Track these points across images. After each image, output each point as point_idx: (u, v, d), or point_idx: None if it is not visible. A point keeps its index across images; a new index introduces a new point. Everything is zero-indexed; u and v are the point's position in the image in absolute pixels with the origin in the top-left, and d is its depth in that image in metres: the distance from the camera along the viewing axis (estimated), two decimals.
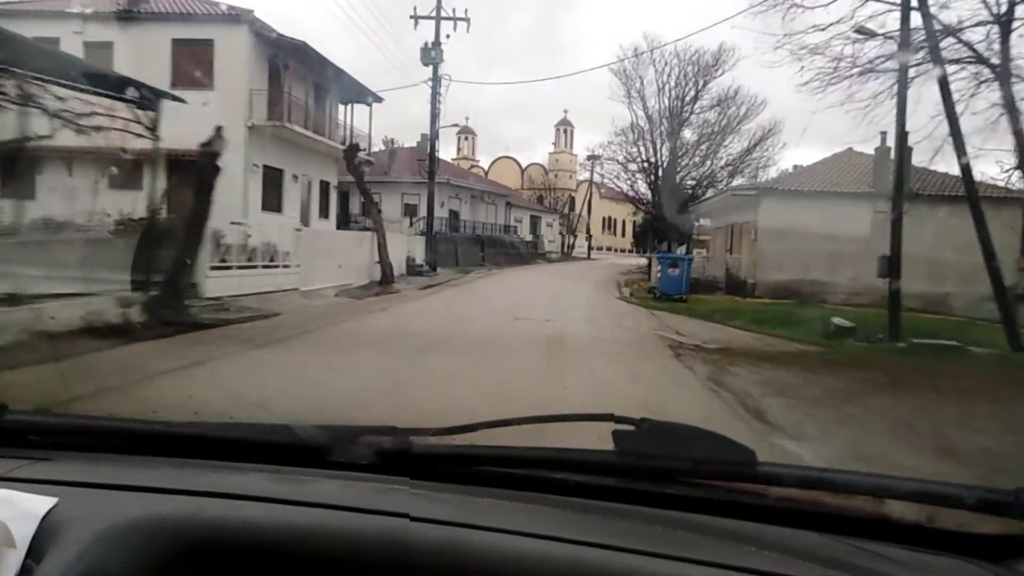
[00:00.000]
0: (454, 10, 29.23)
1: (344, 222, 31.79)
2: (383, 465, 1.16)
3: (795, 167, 30.51)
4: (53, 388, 4.86)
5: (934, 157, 15.66)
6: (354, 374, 7.30)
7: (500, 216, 48.39)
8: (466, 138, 66.75)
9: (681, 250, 32.50)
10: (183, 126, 20.96)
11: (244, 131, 21.60)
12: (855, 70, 15.27)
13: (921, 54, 14.84)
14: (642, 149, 41.60)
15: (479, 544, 0.94)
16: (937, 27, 14.27)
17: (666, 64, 39.24)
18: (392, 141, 40.73)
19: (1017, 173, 16.44)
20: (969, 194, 14.76)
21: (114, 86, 10.59)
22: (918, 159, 23.93)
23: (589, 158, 52.79)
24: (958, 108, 13.93)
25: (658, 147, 40.99)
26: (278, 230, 16.31)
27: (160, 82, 21.36)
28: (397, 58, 54.69)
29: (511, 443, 1.18)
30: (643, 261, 49.93)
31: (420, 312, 14.95)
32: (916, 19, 13.87)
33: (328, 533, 0.95)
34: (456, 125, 32.82)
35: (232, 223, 17.16)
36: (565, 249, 61.48)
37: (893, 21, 14.49)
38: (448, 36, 28.96)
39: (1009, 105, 14.15)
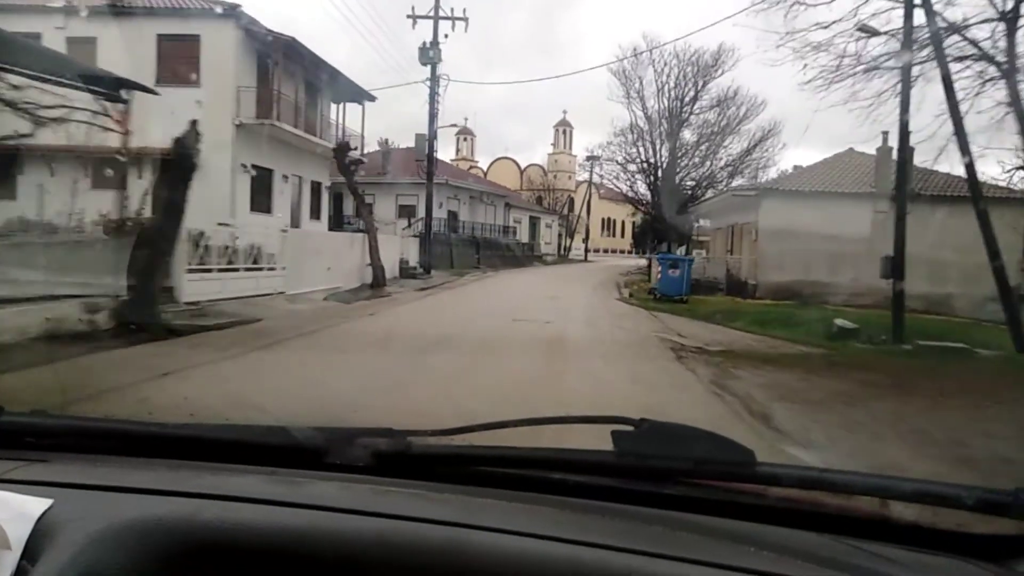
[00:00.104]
0: (452, 10, 28.78)
1: (338, 224, 31.29)
2: (380, 467, 1.16)
3: (795, 167, 30.05)
4: None
5: (938, 156, 15.21)
6: (335, 384, 6.78)
7: (499, 217, 47.94)
8: (465, 139, 66.58)
9: (680, 251, 32.08)
10: (168, 124, 20.58)
11: (232, 129, 21.11)
12: (859, 68, 14.82)
13: (925, 52, 14.41)
14: (641, 150, 41.41)
15: (478, 545, 0.93)
16: (942, 24, 13.87)
17: (665, 64, 39.15)
18: (387, 141, 40.19)
19: (1021, 173, 15.98)
20: (973, 194, 14.42)
21: (82, 77, 9.98)
22: (920, 159, 23.53)
23: (588, 159, 52.53)
24: (963, 107, 13.59)
25: (657, 148, 40.82)
26: (263, 231, 15.71)
27: (145, 79, 20.83)
28: (394, 58, 54.30)
29: (509, 444, 1.16)
30: (642, 262, 49.72)
31: (410, 316, 14.38)
32: (920, 17, 13.51)
33: (325, 535, 0.94)
34: (455, 125, 32.45)
35: (219, 224, 16.68)
36: (562, 251, 61.09)
37: (897, 18, 14.06)
38: (447, 36, 28.53)
39: (1015, 103, 13.71)
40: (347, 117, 28.15)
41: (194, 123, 10.12)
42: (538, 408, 4.74)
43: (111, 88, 10.20)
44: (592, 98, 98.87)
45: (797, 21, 15.27)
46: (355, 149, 22.71)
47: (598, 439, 1.12)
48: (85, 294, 9.04)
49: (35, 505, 0.95)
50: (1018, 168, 16.02)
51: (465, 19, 28.48)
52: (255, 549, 0.93)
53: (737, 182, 38.39)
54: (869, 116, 14.96)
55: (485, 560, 0.91)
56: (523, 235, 52.55)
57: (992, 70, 14.09)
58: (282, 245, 15.38)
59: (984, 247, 13.79)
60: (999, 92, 13.97)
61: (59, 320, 8.09)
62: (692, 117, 40.45)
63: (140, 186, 21.12)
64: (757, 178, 38.16)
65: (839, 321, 14.82)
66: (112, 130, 10.18)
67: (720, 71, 38.73)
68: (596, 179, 53.84)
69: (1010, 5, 13.46)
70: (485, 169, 66.12)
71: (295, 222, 25.27)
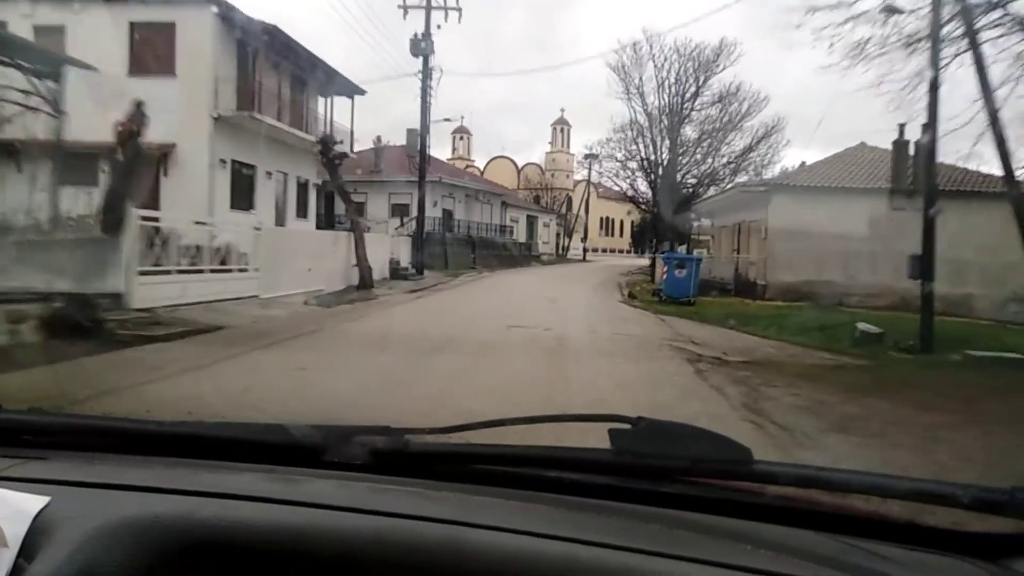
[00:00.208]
0: (445, 0, 27.45)
1: (329, 223, 29.96)
2: (377, 465, 1.15)
3: (802, 164, 28.79)
4: None
5: (975, 145, 13.99)
6: (285, 414, 5.50)
7: (496, 216, 46.82)
8: (461, 138, 65.92)
9: (681, 250, 30.87)
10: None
11: (209, 122, 19.85)
12: (885, 49, 13.57)
13: (959, 30, 13.19)
14: (642, 147, 40.42)
15: (475, 543, 0.92)
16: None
17: (666, 59, 38.44)
18: (379, 139, 39.00)
19: None
20: (1009, 188, 13.31)
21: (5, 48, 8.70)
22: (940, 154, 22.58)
23: (587, 157, 51.42)
24: (1001, 94, 12.44)
25: (658, 145, 39.94)
26: (234, 229, 14.42)
27: (117, 69, 19.70)
28: (388, 54, 53.06)
29: (507, 442, 1.16)
30: (642, 262, 48.80)
31: (394, 323, 13.07)
32: None
33: (323, 533, 0.94)
34: (448, 120, 31.22)
35: (196, 222, 15.42)
36: (560, 251, 60.08)
37: None
38: (439, 27, 27.26)
39: None
40: (337, 112, 26.99)
41: (139, 104, 8.82)
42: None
43: (44, 65, 8.91)
44: (590, 97, 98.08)
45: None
46: (340, 143, 21.39)
47: (595, 437, 1.11)
48: (11, 299, 7.77)
49: (32, 503, 0.94)
50: None
51: (458, 9, 27.26)
52: (252, 547, 0.93)
53: (739, 179, 37.46)
54: (898, 102, 13.62)
55: (482, 558, 0.90)
56: (520, 235, 51.53)
57: None
58: (256, 244, 14.07)
59: (1009, 245, 12.75)
60: None
61: None
62: (693, 113, 39.78)
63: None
64: (760, 176, 37.07)
65: (862, 325, 13.69)
66: (41, 111, 8.86)
67: (722, 66, 38.15)
68: (595, 178, 52.91)
69: None
70: (482, 168, 65.31)
71: (280, 221, 24.05)
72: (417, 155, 27.81)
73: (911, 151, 22.81)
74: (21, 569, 0.86)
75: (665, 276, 20.36)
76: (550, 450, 1.19)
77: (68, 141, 14.88)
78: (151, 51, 19.81)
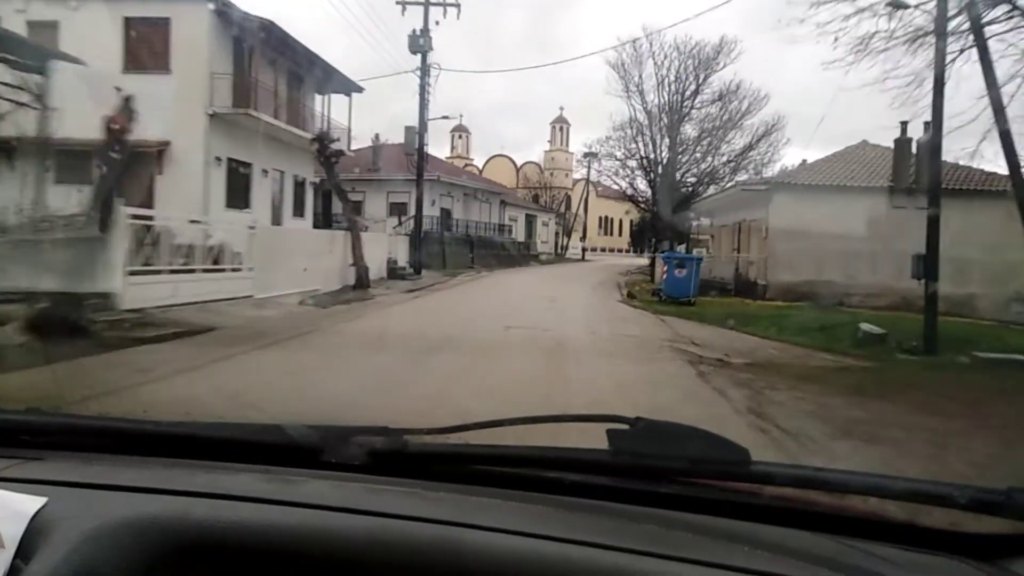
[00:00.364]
0: None
1: (327, 222, 29.70)
2: (375, 465, 1.15)
3: (803, 162, 28.57)
4: None
5: (981, 142, 13.72)
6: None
7: (494, 215, 46.56)
8: (460, 136, 65.69)
9: (680, 249, 30.68)
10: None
11: (204, 119, 19.63)
12: (891, 43, 13.35)
13: (965, 26, 12.98)
14: (641, 145, 40.18)
15: (473, 543, 0.92)
16: None
17: (665, 57, 38.23)
18: (377, 137, 38.77)
19: None
20: (1015, 186, 13.09)
21: None
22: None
23: (586, 155, 51.28)
24: (1008, 90, 12.24)
25: (658, 143, 39.72)
26: (228, 228, 14.20)
27: (111, 65, 19.47)
28: (385, 50, 52.66)
29: (505, 443, 1.15)
30: (641, 261, 48.59)
31: (389, 323, 12.84)
32: None
33: (320, 533, 0.93)
34: (447, 117, 30.94)
35: (191, 221, 15.21)
36: (559, 250, 59.87)
37: None
38: (437, 23, 27.01)
39: None
40: (335, 110, 26.76)
41: (128, 99, 8.60)
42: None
43: (30, 58, 8.69)
44: (589, 96, 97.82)
45: None
46: (337, 140, 21.16)
47: (593, 438, 1.11)
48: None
49: (29, 503, 0.94)
50: None
51: (457, 5, 26.99)
52: (250, 548, 0.92)
53: (739, 178, 37.29)
54: (903, 98, 13.41)
55: (480, 559, 0.90)
56: (519, 234, 51.28)
57: None
58: (250, 244, 13.85)
59: (1012, 244, 12.56)
60: None
61: None
62: (693, 111, 39.58)
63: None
64: (760, 174, 36.90)
65: (865, 326, 13.50)
66: (27, 105, 8.64)
67: (722, 64, 37.98)
68: (594, 176, 52.76)
69: None
70: (480, 167, 65.07)
71: (276, 219, 23.82)
72: (415, 153, 27.55)
73: (913, 149, 22.66)
74: (18, 569, 0.86)
75: (665, 276, 20.15)
76: (548, 451, 1.18)
77: (61, 139, 14.69)
78: (146, 47, 19.59)
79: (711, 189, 38.71)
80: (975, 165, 21.56)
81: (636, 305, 18.71)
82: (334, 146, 19.90)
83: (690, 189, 39.77)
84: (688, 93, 38.64)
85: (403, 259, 26.20)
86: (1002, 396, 7.45)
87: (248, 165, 22.02)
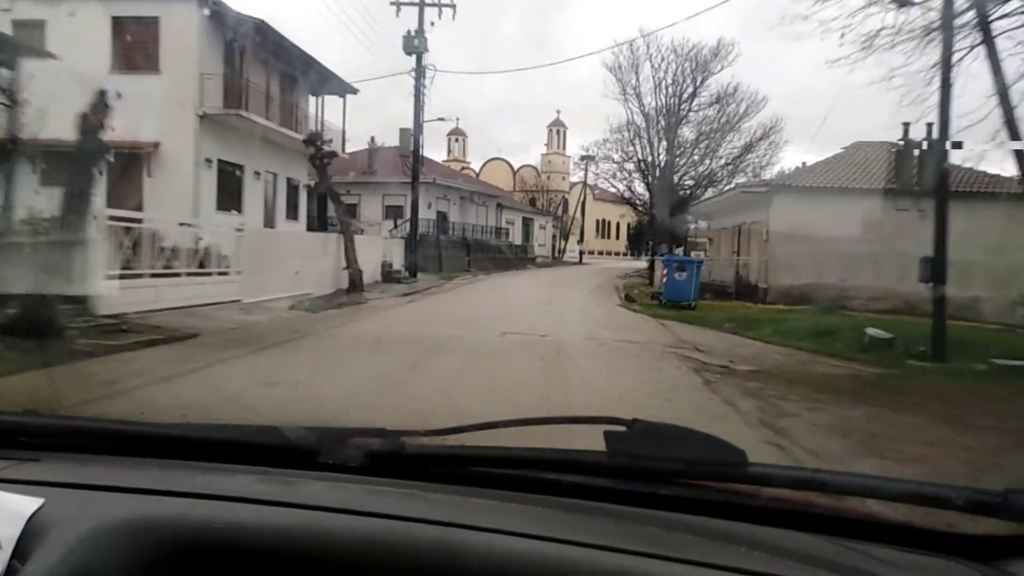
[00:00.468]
0: None
1: (322, 225, 29.22)
2: (373, 467, 1.15)
3: (803, 164, 28.23)
4: None
5: (991, 142, 13.34)
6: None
7: (491, 218, 46.19)
8: (457, 139, 65.42)
9: (679, 252, 30.28)
10: (121, 116, 18.67)
11: (194, 120, 19.22)
12: (897, 41, 12.98)
13: (973, 22, 12.61)
14: (638, 148, 39.94)
15: (470, 545, 0.92)
16: None
17: (663, 59, 37.98)
18: (372, 140, 38.41)
19: None
20: None
21: None
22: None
23: (583, 158, 50.92)
24: (1020, 87, 11.89)
25: (655, 146, 39.44)
26: (215, 230, 13.77)
27: (99, 65, 19.07)
28: (380, 52, 52.03)
29: (502, 444, 1.16)
30: (639, 264, 48.25)
31: (381, 329, 12.41)
32: None
33: (317, 535, 0.93)
34: (442, 119, 30.56)
35: (181, 224, 14.80)
36: (556, 253, 59.52)
37: None
38: (432, 24, 26.63)
39: None
40: (330, 112, 26.43)
41: (102, 94, 8.18)
42: None
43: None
44: (586, 100, 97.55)
45: None
46: (330, 141, 20.75)
47: (591, 440, 1.10)
48: None
49: (26, 504, 0.94)
50: None
51: (452, 5, 26.63)
52: (247, 549, 0.93)
53: (737, 181, 37.04)
54: (911, 97, 13.04)
55: (477, 560, 0.90)
56: (516, 237, 50.93)
57: None
58: (238, 246, 13.42)
59: (1017, 246, 12.24)
60: None
61: None
62: (691, 114, 39.42)
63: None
64: (758, 177, 36.67)
65: (871, 331, 13.12)
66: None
67: (720, 66, 37.86)
68: (592, 179, 52.40)
69: None
70: (477, 170, 64.69)
71: (269, 222, 23.42)
72: (410, 155, 27.14)
73: (915, 151, 22.33)
74: (15, 570, 0.86)
75: (665, 279, 19.74)
76: (545, 452, 1.18)
77: (47, 140, 14.29)
78: (134, 47, 19.19)
79: (709, 192, 38.53)
80: (977, 166, 21.29)
81: (636, 309, 18.31)
82: (327, 147, 19.44)
83: (688, 192, 39.59)
84: (685, 96, 38.57)
85: (398, 262, 25.79)
86: None
87: (240, 167, 21.61)
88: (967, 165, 19.33)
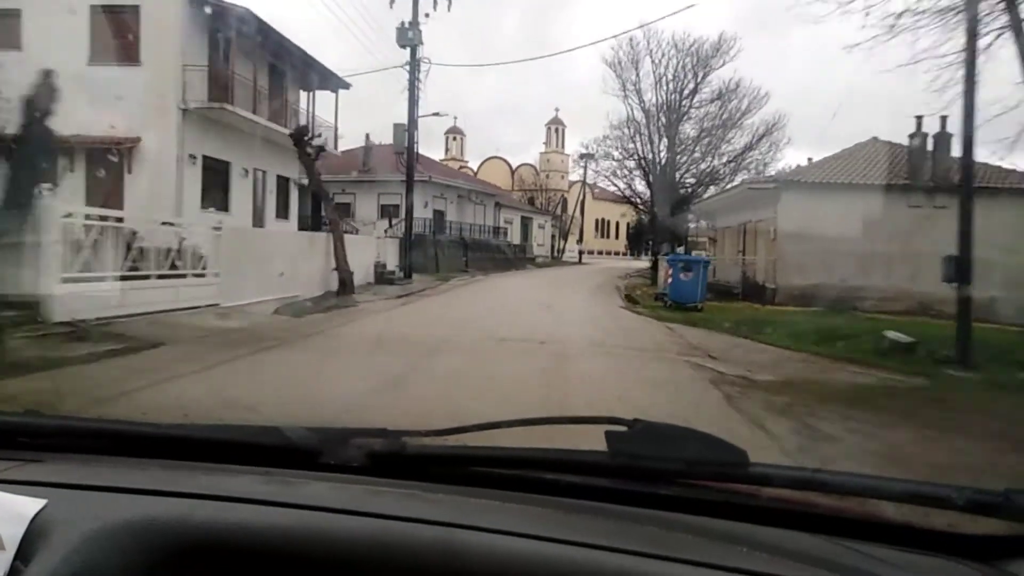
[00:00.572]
0: None
1: (316, 225, 28.39)
2: (374, 467, 1.15)
3: (809, 160, 27.35)
4: None
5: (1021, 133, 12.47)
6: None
7: (489, 217, 45.36)
8: (455, 138, 64.89)
9: (680, 251, 29.46)
10: (101, 110, 17.83)
11: (177, 114, 18.38)
12: (921, 21, 12.13)
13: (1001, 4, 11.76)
14: (639, 145, 39.20)
15: (471, 545, 0.92)
16: None
17: (663, 55, 37.25)
18: (368, 137, 37.61)
19: None
20: None
21: None
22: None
23: (582, 156, 50.08)
24: None
25: (656, 143, 38.70)
26: (193, 230, 12.91)
27: (77, 56, 18.20)
28: (375, 46, 50.86)
29: (503, 445, 1.16)
30: (639, 264, 47.48)
31: (371, 333, 11.54)
32: None
33: (319, 535, 0.94)
34: (438, 114, 29.71)
35: (163, 223, 13.94)
36: (555, 253, 58.75)
37: None
38: (427, 15, 25.75)
39: None
40: (323, 108, 25.55)
41: (47, 75, 7.32)
42: None
43: None
44: (585, 98, 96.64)
45: None
46: (319, 136, 19.88)
47: (592, 440, 1.11)
48: None
49: (29, 505, 0.94)
50: None
51: None
52: (249, 549, 0.93)
53: (740, 178, 36.30)
54: (939, 83, 12.18)
55: (478, 560, 0.90)
56: (515, 236, 50.13)
57: None
58: (216, 246, 12.54)
59: None
60: None
61: None
62: (692, 110, 38.65)
63: (72, 181, 18.55)
64: (760, 175, 35.84)
65: (891, 334, 12.31)
66: None
67: (721, 62, 37.11)
68: (591, 178, 51.63)
69: None
70: (475, 169, 64.04)
71: (258, 221, 22.57)
72: (404, 152, 26.26)
73: (929, 145, 21.41)
74: (18, 571, 0.86)
75: (670, 280, 18.82)
76: (546, 452, 1.18)
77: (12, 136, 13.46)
78: (114, 37, 18.30)
79: (711, 190, 37.85)
80: (1004, 160, 20.39)
81: (640, 312, 17.41)
82: (316, 142, 18.56)
83: (689, 190, 38.86)
84: (687, 92, 37.91)
85: (393, 263, 24.92)
86: None
87: (226, 164, 20.76)
88: (990, 158, 18.43)
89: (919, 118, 21.13)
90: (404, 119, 26.32)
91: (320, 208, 29.70)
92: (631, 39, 38.48)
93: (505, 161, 68.62)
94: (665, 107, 38.24)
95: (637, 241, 64.10)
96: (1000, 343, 12.62)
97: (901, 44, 13.49)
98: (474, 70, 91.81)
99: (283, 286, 14.68)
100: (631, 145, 39.95)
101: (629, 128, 39.46)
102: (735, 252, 27.64)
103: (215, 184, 20.19)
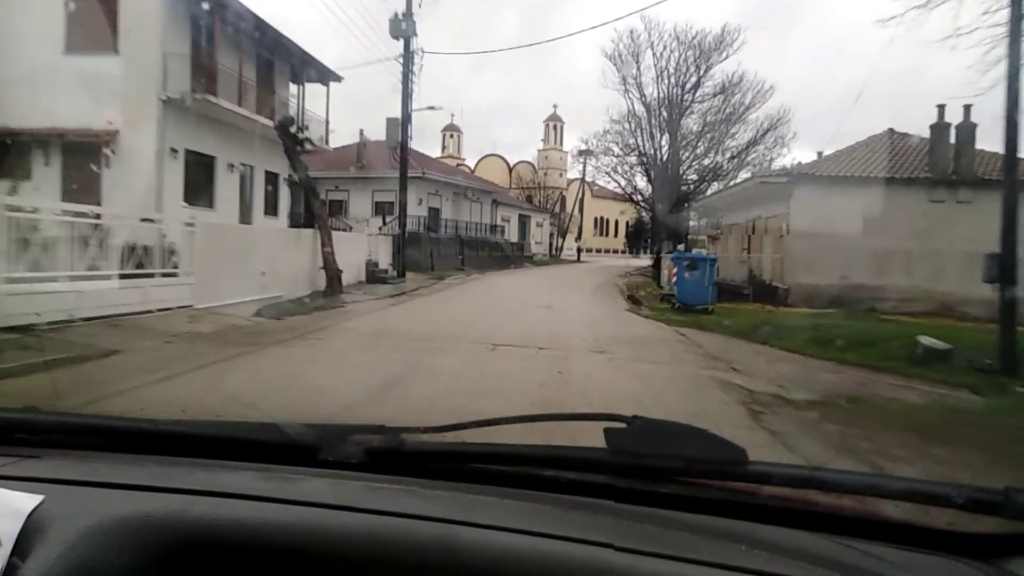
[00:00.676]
0: None
1: (309, 222, 27.36)
2: (372, 463, 1.14)
3: (819, 155, 26.33)
4: None
5: None
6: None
7: (486, 215, 44.38)
8: (452, 135, 64.09)
9: (680, 249, 28.52)
10: (77, 101, 16.81)
11: (157, 105, 17.35)
12: None
13: None
14: (640, 140, 38.22)
15: (469, 541, 0.92)
16: None
17: (665, 47, 36.30)
18: (362, 133, 36.62)
19: None
20: None
21: None
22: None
23: (581, 152, 49.07)
24: None
25: (657, 138, 37.77)
26: (166, 226, 11.89)
27: (53, 45, 17.20)
28: (368, 39, 49.70)
29: (502, 442, 1.15)
30: (639, 262, 46.58)
31: (354, 338, 10.53)
32: None
33: (317, 531, 0.93)
34: (432, 107, 28.70)
35: (143, 219, 12.93)
36: (554, 251, 57.83)
37: None
38: (420, 5, 24.72)
39: None
40: (314, 103, 24.51)
41: None
42: None
43: None
44: (584, 96, 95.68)
45: None
46: (306, 128, 18.86)
47: (591, 437, 1.09)
48: None
49: (26, 501, 0.94)
50: None
51: None
52: (247, 545, 0.92)
53: (743, 175, 35.37)
54: (987, 57, 11.18)
55: (476, 556, 0.90)
56: (512, 234, 49.18)
57: None
58: (189, 244, 11.53)
59: None
60: None
61: None
62: (694, 105, 37.70)
63: (47, 175, 17.55)
64: (765, 171, 34.87)
65: (925, 340, 11.38)
66: None
67: (724, 54, 36.13)
68: (591, 174, 50.65)
69: None
70: (473, 167, 63.13)
71: (246, 218, 21.58)
72: (398, 147, 25.25)
73: (951, 137, 20.33)
74: (15, 567, 0.86)
75: (676, 279, 17.78)
76: (545, 449, 1.16)
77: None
78: (90, 23, 17.26)
79: (714, 186, 36.94)
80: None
81: (646, 314, 16.38)
82: (303, 135, 17.54)
83: (691, 187, 37.92)
84: (689, 85, 37.02)
85: (386, 261, 23.91)
86: None
87: (210, 158, 19.76)
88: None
89: (941, 107, 20.10)
90: (399, 114, 25.34)
91: (312, 205, 28.71)
92: (631, 31, 37.62)
93: (503, 158, 67.81)
94: (667, 101, 37.33)
95: (636, 239, 63.31)
96: None
97: (938, 20, 12.41)
98: (472, 68, 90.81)
99: (265, 286, 13.69)
100: (632, 140, 39.06)
101: (630, 123, 38.62)
102: (739, 250, 26.68)
103: (199, 179, 19.19)
